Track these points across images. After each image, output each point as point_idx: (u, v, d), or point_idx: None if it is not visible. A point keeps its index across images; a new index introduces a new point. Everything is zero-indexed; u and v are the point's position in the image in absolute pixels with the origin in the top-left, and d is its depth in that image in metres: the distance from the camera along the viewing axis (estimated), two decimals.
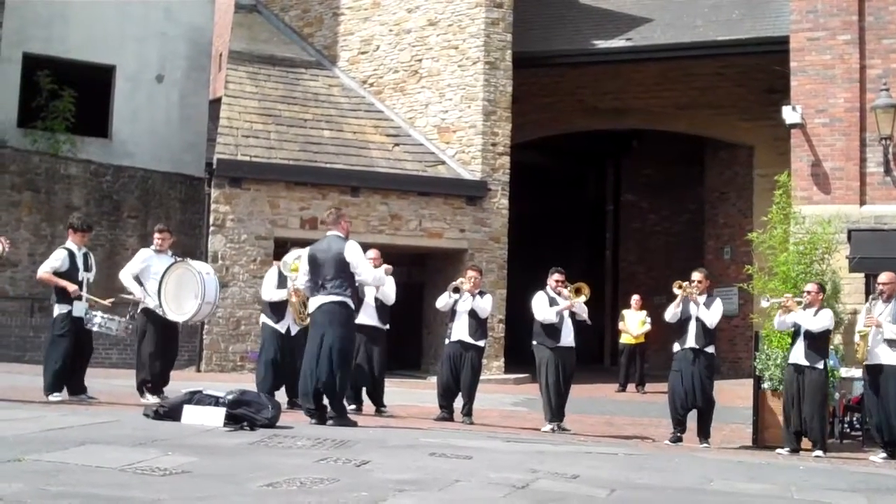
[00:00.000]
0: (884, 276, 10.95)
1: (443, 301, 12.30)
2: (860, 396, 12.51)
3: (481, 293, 12.38)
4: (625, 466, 8.18)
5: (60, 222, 19.08)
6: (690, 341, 11.33)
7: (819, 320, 11.03)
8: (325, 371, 9.52)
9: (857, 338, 11.24)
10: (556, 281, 11.95)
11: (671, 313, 11.49)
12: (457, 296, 12.18)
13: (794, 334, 11.22)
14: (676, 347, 11.52)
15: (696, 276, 11.58)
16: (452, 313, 12.19)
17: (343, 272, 9.65)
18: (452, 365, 12.07)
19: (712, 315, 11.32)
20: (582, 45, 22.25)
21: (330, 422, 9.51)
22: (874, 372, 10.79)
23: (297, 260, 10.93)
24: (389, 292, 12.04)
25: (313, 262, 9.80)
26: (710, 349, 11.41)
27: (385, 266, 11.63)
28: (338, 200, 19.28)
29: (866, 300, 14.70)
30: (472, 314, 12.10)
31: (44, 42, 21.92)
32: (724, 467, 8.69)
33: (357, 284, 10.12)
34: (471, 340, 12.08)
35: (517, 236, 21.21)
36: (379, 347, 12.10)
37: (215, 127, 20.39)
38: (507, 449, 8.72)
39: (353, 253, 9.69)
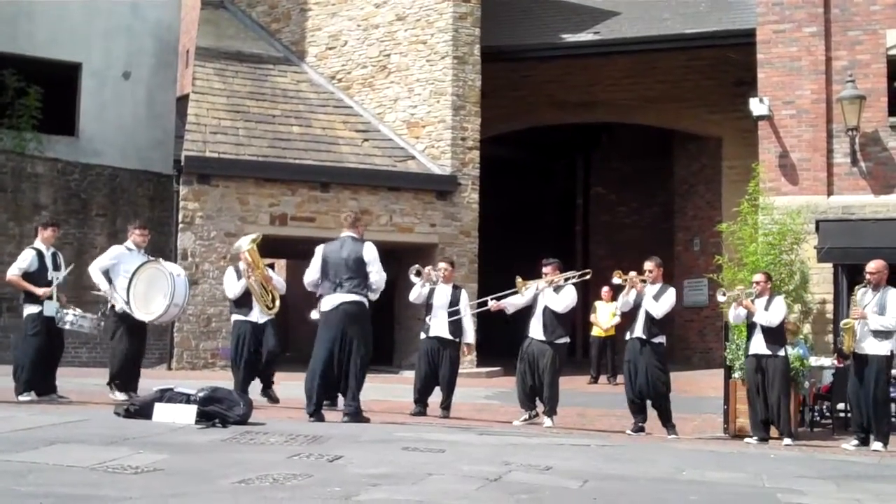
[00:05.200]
0: (872, 265, 10.84)
1: (416, 292, 12.22)
2: (830, 385, 12.60)
3: (455, 288, 12.35)
4: (597, 457, 8.21)
5: (28, 222, 18.92)
6: (637, 331, 11.30)
7: (773, 315, 10.96)
8: (352, 372, 9.74)
9: (840, 334, 11.25)
10: (544, 273, 11.96)
11: (622, 302, 11.54)
12: (419, 279, 12.10)
13: (751, 326, 11.16)
14: (627, 336, 11.55)
15: (648, 265, 11.52)
16: (428, 307, 12.13)
17: (360, 272, 9.85)
18: (430, 360, 12.03)
19: (660, 306, 11.21)
20: (550, 39, 22.31)
21: (346, 418, 9.68)
22: (860, 361, 10.78)
23: (252, 242, 11.19)
24: None
25: (325, 263, 9.95)
26: (659, 339, 11.29)
27: None
28: (307, 196, 19.26)
29: (835, 290, 14.90)
30: (451, 311, 12.01)
31: (9, 40, 21.70)
32: (696, 457, 8.74)
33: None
34: (449, 337, 12.02)
35: (488, 230, 21.22)
36: None
37: (183, 124, 20.28)
38: (480, 442, 8.74)
39: (371, 253, 9.92)
